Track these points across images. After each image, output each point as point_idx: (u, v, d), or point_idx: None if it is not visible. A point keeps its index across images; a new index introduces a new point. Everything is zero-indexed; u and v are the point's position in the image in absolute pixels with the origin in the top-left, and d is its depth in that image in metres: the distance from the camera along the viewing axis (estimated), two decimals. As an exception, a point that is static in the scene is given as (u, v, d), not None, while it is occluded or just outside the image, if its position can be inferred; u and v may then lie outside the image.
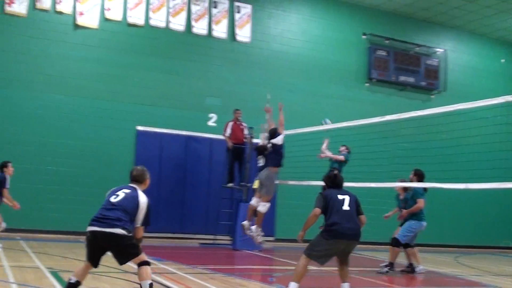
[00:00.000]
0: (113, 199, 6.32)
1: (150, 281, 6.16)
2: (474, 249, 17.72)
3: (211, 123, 16.44)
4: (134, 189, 6.50)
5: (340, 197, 7.54)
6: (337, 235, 7.25)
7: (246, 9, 17.29)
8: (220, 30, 16.91)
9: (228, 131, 15.13)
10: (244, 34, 17.21)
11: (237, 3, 17.13)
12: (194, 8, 16.60)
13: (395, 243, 10.61)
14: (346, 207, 7.42)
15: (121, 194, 6.38)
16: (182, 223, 15.53)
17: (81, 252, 11.20)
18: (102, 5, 15.51)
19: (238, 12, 17.20)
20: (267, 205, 12.23)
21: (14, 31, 14.74)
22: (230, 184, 15.02)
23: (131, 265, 8.72)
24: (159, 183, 14.88)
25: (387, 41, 18.99)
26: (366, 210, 16.67)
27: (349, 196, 7.61)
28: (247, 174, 14.74)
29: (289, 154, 15.10)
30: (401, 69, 19.06)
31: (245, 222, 12.34)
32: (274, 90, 16.49)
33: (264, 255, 13.18)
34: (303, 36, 18.07)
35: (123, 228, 6.12)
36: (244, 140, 15.09)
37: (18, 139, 14.51)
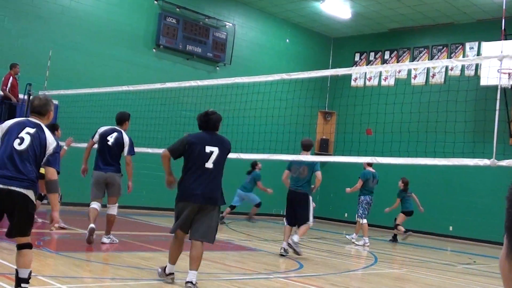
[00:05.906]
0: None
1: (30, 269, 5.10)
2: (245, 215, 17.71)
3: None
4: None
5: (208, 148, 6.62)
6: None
7: (33, -41, 16.19)
8: (2, -22, 15.68)
9: (8, 85, 14.24)
10: (28, -15, 16.14)
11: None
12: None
13: None
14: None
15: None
16: None
17: None
18: None
19: (24, -40, 16.06)
20: None
21: None
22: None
23: None
24: None
25: (178, 9, 18.96)
26: (147, 176, 16.63)
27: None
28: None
29: (68, 114, 14.68)
30: (189, 38, 19.18)
31: None
32: (58, 48, 15.80)
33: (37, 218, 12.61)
34: (94, -6, 17.39)
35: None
36: (23, 96, 14.30)
37: None
